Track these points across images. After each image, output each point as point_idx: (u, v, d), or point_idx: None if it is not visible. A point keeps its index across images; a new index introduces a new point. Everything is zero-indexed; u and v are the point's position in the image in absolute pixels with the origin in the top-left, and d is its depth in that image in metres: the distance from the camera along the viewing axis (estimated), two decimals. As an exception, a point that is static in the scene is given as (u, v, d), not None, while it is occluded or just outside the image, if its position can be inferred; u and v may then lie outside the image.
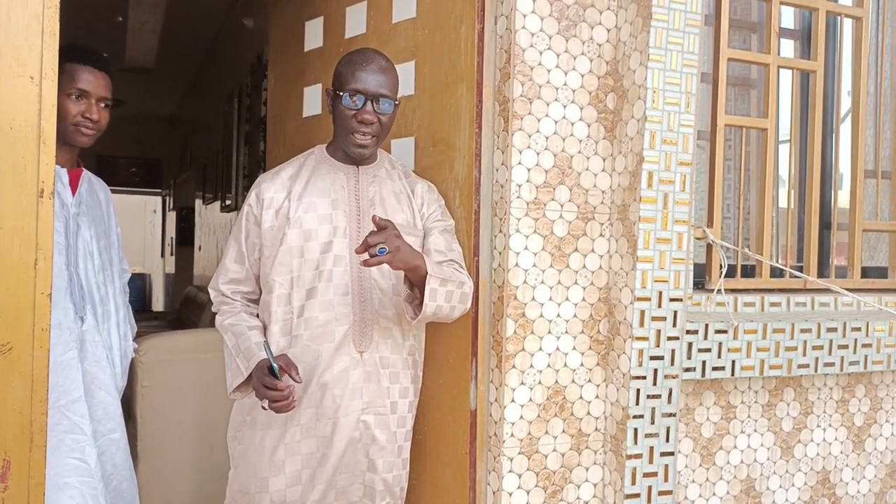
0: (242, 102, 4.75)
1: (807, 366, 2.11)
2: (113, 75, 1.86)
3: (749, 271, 2.29)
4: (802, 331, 2.08)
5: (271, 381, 1.52)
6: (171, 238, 9.23)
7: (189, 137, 7.94)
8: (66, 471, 1.74)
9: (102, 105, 1.81)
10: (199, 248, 7.06)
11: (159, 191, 10.41)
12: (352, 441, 1.67)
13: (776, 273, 2.27)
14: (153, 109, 8.91)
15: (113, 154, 9.23)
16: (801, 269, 2.32)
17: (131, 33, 5.90)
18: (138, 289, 11.26)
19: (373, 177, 1.74)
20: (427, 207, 1.77)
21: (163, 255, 10.52)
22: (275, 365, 1.52)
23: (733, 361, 2.03)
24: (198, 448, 2.78)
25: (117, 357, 1.92)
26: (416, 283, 1.59)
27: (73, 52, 1.79)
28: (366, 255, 1.48)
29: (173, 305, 8.20)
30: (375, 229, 1.65)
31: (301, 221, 1.65)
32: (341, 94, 1.63)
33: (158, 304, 10.60)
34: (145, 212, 12.27)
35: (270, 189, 1.69)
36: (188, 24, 5.68)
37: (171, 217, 9.37)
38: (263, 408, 1.57)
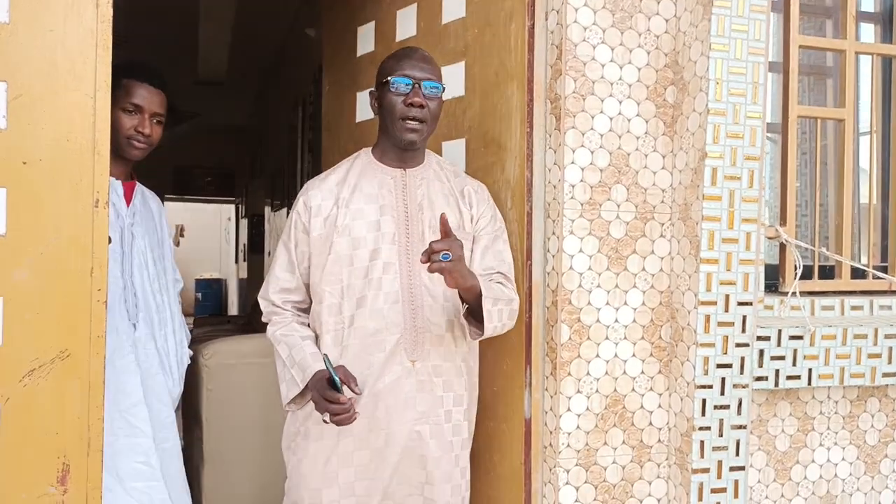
0: (306, 111, 4.84)
1: (893, 374, 1.95)
2: (169, 92, 1.89)
3: (827, 272, 2.14)
4: (887, 336, 1.93)
5: (333, 395, 1.50)
6: (244, 244, 9.51)
7: (258, 147, 8.17)
8: (132, 474, 1.77)
9: (155, 121, 1.85)
10: (269, 254, 7.24)
11: (233, 199, 10.77)
12: (406, 451, 1.64)
13: (857, 274, 2.11)
14: (226, 120, 9.21)
15: (189, 164, 9.62)
16: (885, 270, 2.15)
17: (202, 47, 6.11)
18: (215, 293, 11.69)
19: (420, 179, 1.70)
20: (477, 209, 1.72)
21: (237, 260, 10.87)
22: (336, 378, 1.50)
23: (810, 369, 1.89)
24: (261, 451, 2.82)
25: (174, 364, 1.95)
26: (469, 300, 1.59)
27: (131, 69, 1.84)
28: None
29: (245, 310, 8.44)
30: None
31: (349, 229, 1.63)
32: (390, 79, 1.62)
33: (233, 308, 10.95)
34: (221, 219, 12.73)
35: (318, 196, 1.67)
36: (255, 36, 5.83)
37: (244, 224, 9.67)
38: (325, 421, 1.56)
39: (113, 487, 1.73)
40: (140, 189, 1.96)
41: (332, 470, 1.62)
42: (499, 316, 1.60)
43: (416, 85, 1.61)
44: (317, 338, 1.68)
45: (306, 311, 1.74)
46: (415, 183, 1.69)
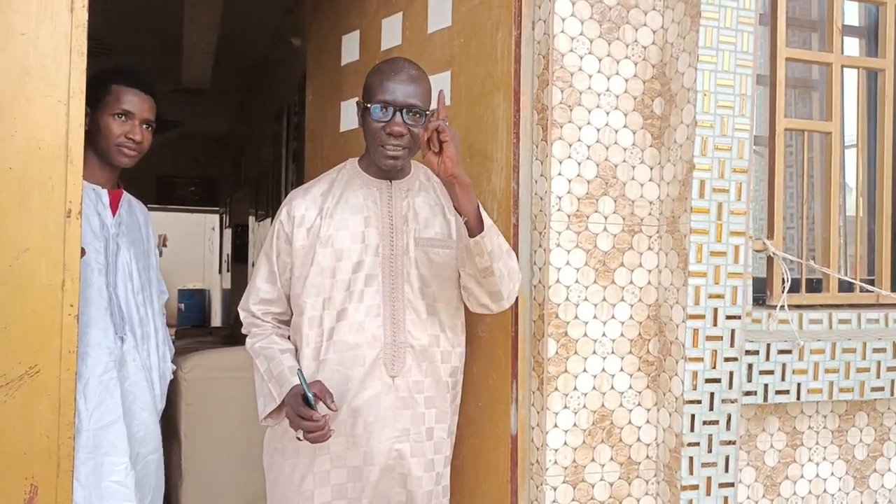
0: (290, 120, 4.80)
1: (881, 388, 1.94)
2: (158, 98, 1.86)
3: (815, 285, 2.13)
4: (875, 350, 1.92)
5: (307, 412, 1.45)
6: (227, 254, 9.42)
7: (242, 156, 8.10)
8: (105, 494, 1.72)
9: (145, 127, 1.81)
10: (252, 264, 7.16)
11: (217, 208, 10.67)
12: (385, 470, 1.59)
13: (845, 287, 2.10)
14: (209, 129, 9.14)
15: (172, 174, 9.52)
16: (872, 283, 2.15)
17: (186, 55, 6.05)
18: (198, 304, 11.55)
19: (406, 191, 1.67)
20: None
21: (220, 271, 10.76)
22: (309, 394, 1.46)
23: (799, 384, 1.87)
24: (242, 467, 2.76)
25: (156, 378, 1.90)
26: (466, 218, 1.49)
27: (119, 75, 1.81)
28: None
29: (229, 321, 8.35)
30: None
31: (332, 240, 1.59)
32: (370, 105, 1.57)
33: (217, 319, 10.83)
34: (204, 229, 12.61)
35: (302, 206, 1.63)
36: (240, 44, 5.79)
37: (228, 234, 9.58)
38: (298, 438, 1.51)
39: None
40: (127, 198, 1.91)
41: (307, 489, 1.57)
42: (499, 249, 1.52)
43: (398, 112, 1.55)
44: (297, 351, 1.64)
45: (287, 322, 1.70)
46: (400, 195, 1.66)
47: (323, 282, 1.59)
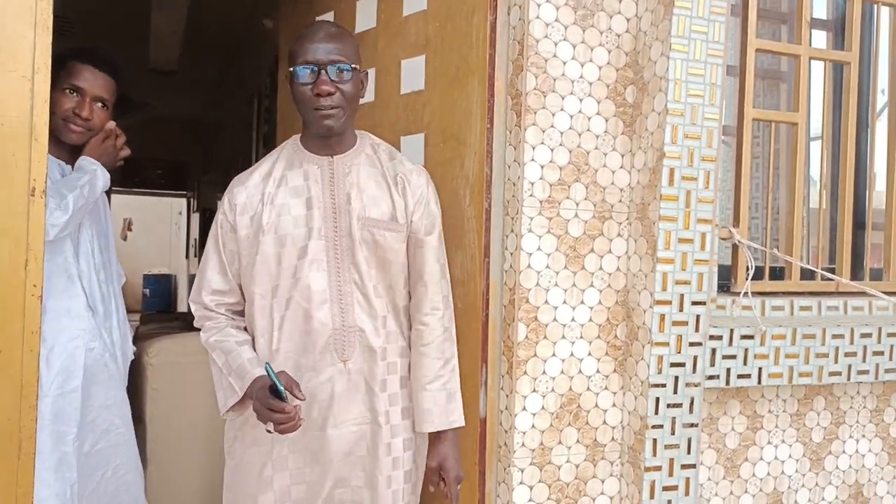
0: (262, 104, 4.73)
1: (839, 373, 1.99)
2: (123, 79, 1.83)
3: (778, 273, 2.18)
4: (834, 336, 1.98)
5: (278, 404, 1.43)
6: (195, 239, 9.28)
7: (212, 140, 7.98)
8: (59, 464, 1.71)
9: (99, 105, 1.78)
10: (221, 250, 7.07)
11: (184, 193, 10.49)
12: (343, 454, 1.58)
13: (807, 275, 2.16)
14: (178, 112, 8.96)
15: (139, 156, 9.32)
16: (833, 271, 2.21)
17: (154, 35, 5.92)
18: (164, 289, 11.37)
19: (349, 166, 1.60)
20: (412, 198, 1.60)
21: (187, 256, 10.60)
22: (281, 387, 1.44)
23: (760, 369, 1.92)
24: (207, 452, 2.73)
25: (119, 356, 1.89)
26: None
27: (78, 52, 1.78)
28: None
29: (196, 306, 8.23)
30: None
31: (275, 227, 1.55)
32: (291, 70, 1.52)
33: (182, 304, 10.67)
34: (171, 213, 12.40)
35: (243, 193, 1.58)
36: (210, 26, 5.68)
37: (196, 218, 9.43)
38: (269, 431, 1.49)
39: (41, 476, 1.64)
40: None
41: (266, 475, 1.56)
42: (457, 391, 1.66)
43: (322, 70, 1.50)
44: (253, 341, 1.61)
45: (241, 313, 1.64)
46: (343, 171, 1.59)
47: (269, 270, 1.55)
